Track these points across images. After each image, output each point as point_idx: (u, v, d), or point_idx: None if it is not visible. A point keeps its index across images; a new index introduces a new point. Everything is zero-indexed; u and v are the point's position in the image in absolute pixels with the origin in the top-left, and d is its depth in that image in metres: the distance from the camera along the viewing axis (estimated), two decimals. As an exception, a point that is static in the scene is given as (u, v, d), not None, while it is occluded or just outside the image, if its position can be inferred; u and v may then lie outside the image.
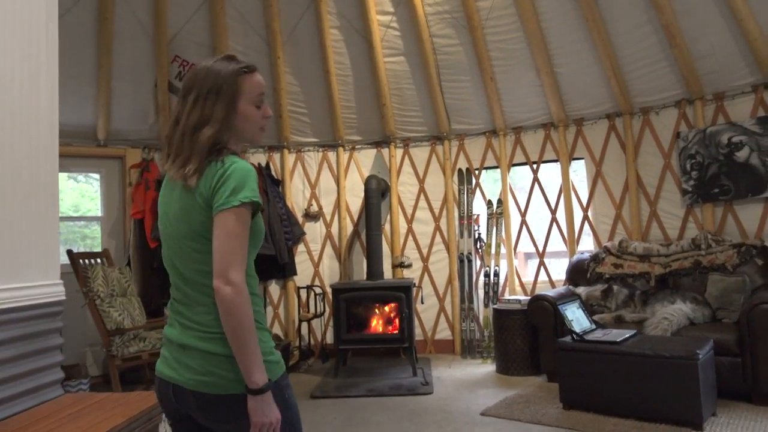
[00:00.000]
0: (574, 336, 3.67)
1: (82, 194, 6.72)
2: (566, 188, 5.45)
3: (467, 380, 4.75)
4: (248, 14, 5.32)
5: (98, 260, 4.54)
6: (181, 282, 1.35)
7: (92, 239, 5.90)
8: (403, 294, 4.91)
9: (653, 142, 5.05)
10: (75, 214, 6.21)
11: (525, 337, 4.74)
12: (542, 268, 5.57)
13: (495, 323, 4.95)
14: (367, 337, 5.04)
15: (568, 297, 4.32)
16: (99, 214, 5.68)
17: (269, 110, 1.46)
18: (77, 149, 5.40)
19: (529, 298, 4.77)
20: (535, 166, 5.65)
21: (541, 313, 4.48)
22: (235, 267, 1.23)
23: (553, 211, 5.55)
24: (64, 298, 2.45)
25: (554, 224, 5.55)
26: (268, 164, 6.02)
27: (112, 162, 5.60)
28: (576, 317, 3.82)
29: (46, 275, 2.37)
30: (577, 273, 5.01)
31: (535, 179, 5.63)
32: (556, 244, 5.67)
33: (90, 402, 2.31)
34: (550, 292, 4.65)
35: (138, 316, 4.42)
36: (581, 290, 4.67)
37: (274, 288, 5.97)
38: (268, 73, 5.57)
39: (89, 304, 4.08)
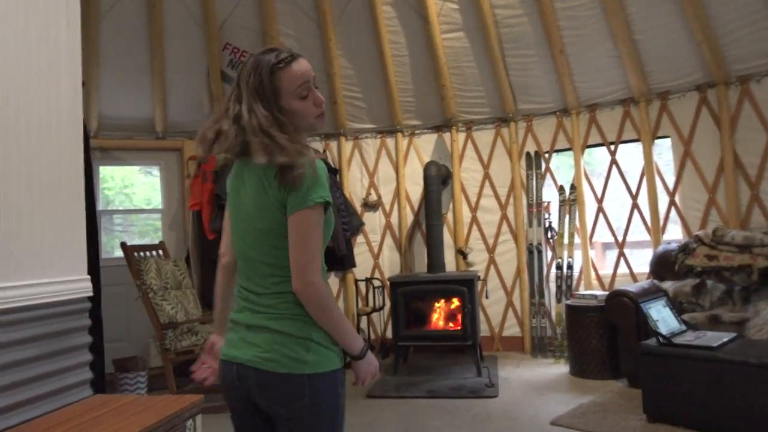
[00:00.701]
0: (660, 338, 3.20)
1: (153, 187, 6.83)
2: (649, 171, 4.88)
3: (537, 382, 4.35)
4: (297, -5, 5.12)
5: (153, 252, 4.50)
6: (252, 272, 1.37)
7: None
8: (465, 288, 4.56)
9: (754, 116, 4.40)
10: (147, 207, 6.28)
11: (602, 336, 4.27)
12: (622, 259, 5.04)
13: (568, 321, 4.50)
14: (428, 333, 4.74)
15: (653, 293, 3.82)
16: (160, 206, 5.70)
17: (320, 97, 1.39)
18: (137, 142, 5.44)
19: (607, 293, 4.29)
20: (612, 147, 5.10)
21: (621, 310, 4.00)
22: (311, 269, 1.26)
23: (634, 197, 4.99)
24: (90, 294, 2.32)
25: (635, 211, 5.00)
26: (324, 152, 5.82)
27: (170, 154, 5.60)
28: (662, 317, 3.34)
29: (71, 271, 2.24)
30: (663, 265, 4.45)
31: (613, 162, 5.09)
32: (638, 233, 5.12)
33: (116, 405, 2.16)
34: (632, 287, 4.16)
35: (192, 309, 4.35)
36: (668, 285, 4.14)
37: (332, 281, 5.78)
38: (320, 58, 5.35)
39: (143, 297, 4.03)
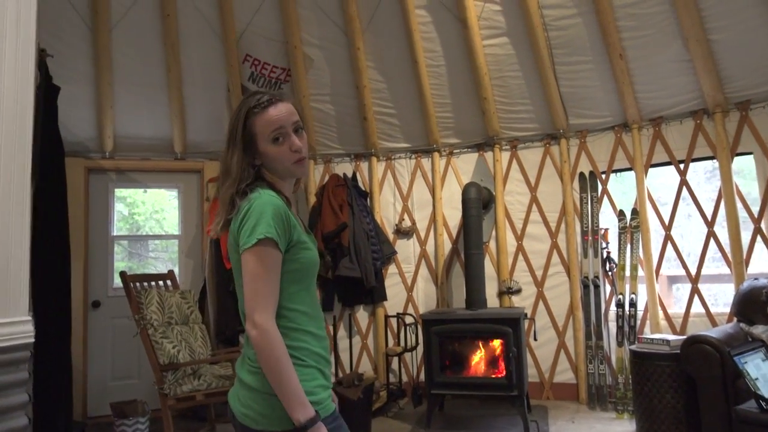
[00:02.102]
0: (764, 404, 2.49)
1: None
2: (728, 192, 4.15)
3: (597, 444, 3.64)
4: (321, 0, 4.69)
5: (160, 283, 4.07)
6: (241, 315, 1.34)
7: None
8: (510, 328, 3.92)
9: None
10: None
11: (677, 391, 3.53)
12: (696, 296, 4.29)
13: (634, 369, 3.78)
14: (466, 380, 4.10)
15: (744, 342, 3.10)
16: (176, 232, 5.32)
17: (296, 142, 1.37)
18: (155, 163, 5.11)
19: (683, 338, 3.57)
20: (682, 166, 4.41)
21: (703, 361, 3.27)
22: (258, 309, 1.24)
23: (710, 223, 4.27)
24: (31, 341, 1.84)
25: (711, 240, 4.27)
26: (354, 174, 5.34)
27: (190, 176, 5.24)
28: (763, 374, 2.63)
29: (6, 311, 1.77)
30: (750, 305, 3.68)
31: (683, 183, 4.40)
32: (715, 265, 4.38)
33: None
34: (713, 333, 3.43)
35: (199, 347, 3.87)
36: (760, 331, 3.39)
37: (362, 315, 5.24)
38: (348, 68, 4.90)
39: (141, 333, 3.58)
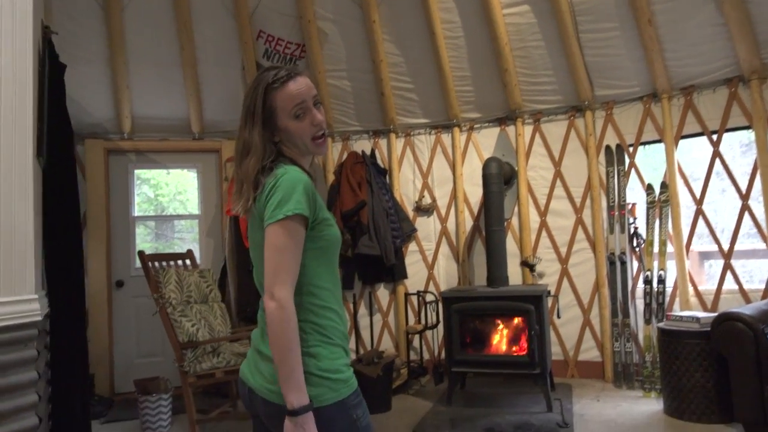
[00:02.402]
0: (799, 384, 2.36)
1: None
2: (764, 164, 3.95)
3: (623, 422, 3.55)
4: (334, -30, 4.57)
5: (179, 262, 4.08)
6: (260, 290, 1.33)
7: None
8: (532, 306, 3.83)
9: None
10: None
11: (708, 370, 3.42)
12: (729, 272, 4.12)
13: (662, 348, 3.67)
14: (487, 358, 4.03)
15: (779, 318, 2.95)
16: (197, 212, 5.33)
17: (318, 116, 1.36)
18: (173, 144, 5.10)
19: (714, 315, 3.43)
20: (715, 137, 4.21)
21: (735, 339, 3.14)
22: (278, 283, 1.22)
23: (744, 196, 4.08)
24: (38, 319, 1.83)
25: (746, 213, 4.08)
26: (373, 151, 5.26)
27: (208, 156, 5.22)
28: (799, 353, 2.49)
29: (11, 290, 1.76)
30: (786, 281, 3.54)
31: (716, 154, 4.20)
32: (750, 240, 4.20)
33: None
34: (746, 309, 3.29)
35: (219, 325, 3.88)
36: (797, 307, 3.23)
37: (383, 293, 5.19)
38: (364, 43, 4.78)
39: (160, 312, 3.60)
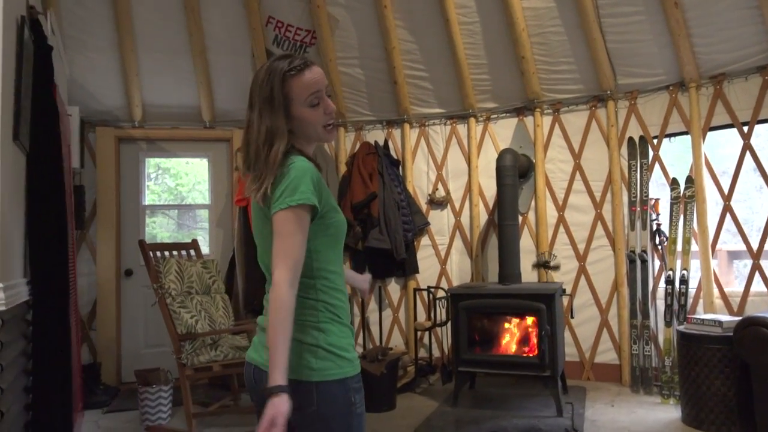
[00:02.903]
0: (826, 398, 2.15)
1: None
2: (799, 158, 3.68)
3: (637, 431, 3.36)
4: (346, -46, 4.43)
5: (183, 252, 4.02)
6: (268, 275, 1.38)
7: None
8: (543, 304, 3.65)
9: None
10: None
11: (729, 377, 3.20)
12: (758, 273, 3.86)
13: (681, 352, 3.46)
14: (495, 359, 3.87)
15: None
16: (207, 201, 5.28)
17: (331, 105, 1.39)
18: (184, 132, 5.06)
19: (737, 319, 3.20)
20: (746, 128, 3.94)
21: (758, 345, 2.93)
22: (279, 267, 1.24)
23: (777, 192, 3.81)
24: (3, 308, 1.75)
25: (778, 211, 3.82)
26: (386, 142, 5.12)
27: (219, 145, 5.17)
28: (827, 364, 2.28)
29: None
30: (820, 284, 3.28)
31: (747, 147, 3.93)
32: (781, 239, 3.92)
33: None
34: (773, 314, 3.06)
35: (221, 317, 3.81)
36: (830, 313, 2.99)
37: (393, 287, 5.07)
38: (376, 29, 4.63)
39: (159, 302, 3.54)
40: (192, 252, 4.11)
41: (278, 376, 1.18)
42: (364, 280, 1.74)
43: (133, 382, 4.59)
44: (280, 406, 1.15)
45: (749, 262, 3.98)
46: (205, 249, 5.23)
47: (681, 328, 3.54)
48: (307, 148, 1.41)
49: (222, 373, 3.48)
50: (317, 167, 1.38)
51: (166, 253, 3.88)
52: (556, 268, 4.56)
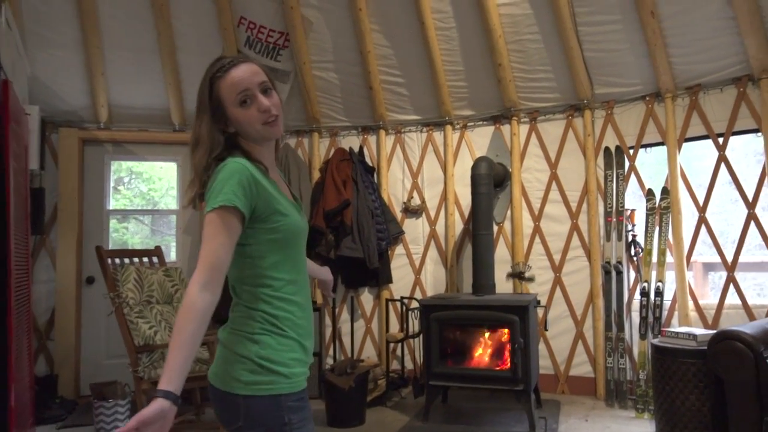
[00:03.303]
0: (802, 417, 2.08)
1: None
2: (774, 170, 3.66)
3: (610, 448, 3.27)
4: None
5: (145, 259, 3.86)
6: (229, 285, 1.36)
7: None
8: (516, 316, 3.55)
9: None
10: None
11: (703, 392, 3.13)
12: (732, 286, 3.82)
13: (656, 366, 3.38)
14: (468, 372, 3.76)
15: (783, 340, 2.66)
16: (175, 207, 5.12)
17: (263, 102, 1.31)
18: (153, 135, 4.90)
19: (711, 333, 3.14)
20: (721, 140, 3.92)
21: (733, 359, 2.85)
22: (197, 268, 1.20)
23: (751, 204, 3.78)
24: None
25: (752, 223, 3.78)
26: (361, 149, 5.01)
27: (188, 149, 4.98)
28: (803, 381, 2.21)
29: None
30: (794, 298, 3.23)
31: (721, 159, 3.91)
32: (756, 251, 3.90)
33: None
34: (746, 328, 2.99)
35: (183, 327, 3.64)
36: (804, 327, 2.94)
37: (366, 297, 4.95)
38: (351, 32, 4.53)
39: (116, 312, 3.37)
40: (155, 259, 3.94)
41: (164, 380, 1.10)
42: (326, 272, 1.72)
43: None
44: (145, 410, 1.06)
45: (725, 274, 3.94)
46: (173, 256, 5.06)
47: (655, 341, 3.47)
48: (256, 149, 1.35)
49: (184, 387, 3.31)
50: (264, 168, 1.34)
51: (126, 260, 3.71)
52: (531, 279, 4.48)
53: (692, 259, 4.05)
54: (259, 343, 1.26)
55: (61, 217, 4.49)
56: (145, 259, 3.87)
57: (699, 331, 3.35)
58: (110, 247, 4.80)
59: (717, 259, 4.02)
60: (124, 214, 5.97)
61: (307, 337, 1.34)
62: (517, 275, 4.45)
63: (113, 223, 6.51)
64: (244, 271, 1.30)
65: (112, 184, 5.00)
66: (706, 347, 3.07)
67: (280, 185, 1.39)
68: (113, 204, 5.08)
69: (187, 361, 1.13)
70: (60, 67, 4.40)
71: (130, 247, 5.55)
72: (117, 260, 3.63)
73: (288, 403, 1.25)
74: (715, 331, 3.13)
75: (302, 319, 1.33)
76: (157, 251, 3.99)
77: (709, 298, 4.08)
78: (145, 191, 7.45)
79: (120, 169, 6.61)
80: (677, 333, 3.37)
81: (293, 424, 1.25)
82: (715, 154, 3.93)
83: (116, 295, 3.38)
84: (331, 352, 4.79)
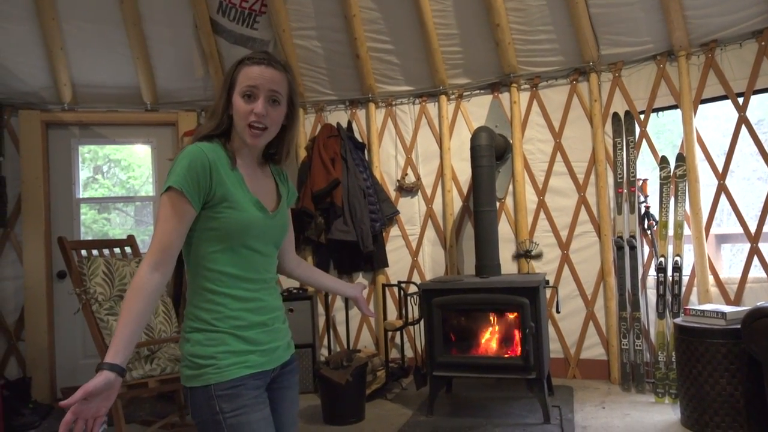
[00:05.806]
0: None
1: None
2: (801, 130, 3.35)
3: (633, 438, 3.00)
4: None
5: (110, 250, 3.49)
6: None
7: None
8: (526, 299, 3.24)
9: None
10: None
11: (735, 375, 2.85)
12: (756, 258, 3.54)
13: (680, 348, 3.10)
14: (474, 361, 3.45)
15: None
16: (151, 193, 4.75)
17: (260, 106, 1.33)
18: (123, 116, 4.53)
19: (744, 310, 2.86)
20: (741, 100, 3.60)
21: (772, 340, 2.57)
22: (149, 250, 1.26)
23: (776, 169, 3.48)
24: None
25: (777, 189, 3.49)
26: (350, 124, 4.66)
27: (163, 130, 4.63)
28: None
29: None
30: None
31: (742, 120, 3.59)
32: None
33: None
34: (784, 303, 2.71)
35: (161, 324, 3.31)
36: None
37: (361, 282, 4.61)
38: (334, -6, 4.15)
39: (83, 309, 3.03)
40: (128, 249, 3.58)
41: (110, 353, 1.16)
42: (355, 288, 1.67)
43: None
44: (92, 381, 1.12)
45: (739, 246, 3.65)
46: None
47: (678, 320, 3.18)
48: (237, 140, 1.38)
49: (159, 390, 2.98)
50: (232, 156, 1.35)
51: (95, 252, 3.35)
52: (539, 257, 4.17)
53: (711, 231, 3.75)
54: (189, 341, 1.32)
55: (25, 207, 4.13)
56: (117, 250, 3.51)
57: (726, 308, 3.06)
58: (81, 238, 4.44)
59: (730, 230, 3.74)
60: (96, 203, 5.59)
61: (245, 329, 1.33)
62: (524, 254, 4.14)
63: (93, 214, 6.13)
64: (189, 257, 1.34)
65: (89, 174, 4.63)
66: (738, 326, 2.79)
67: (250, 180, 1.38)
68: (90, 194, 4.71)
69: (132, 336, 1.18)
70: (15, 42, 4.00)
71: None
72: (85, 252, 3.26)
73: (218, 393, 1.28)
74: (747, 308, 2.84)
75: (237, 311, 1.33)
76: (130, 240, 3.63)
77: (729, 273, 3.80)
78: (124, 179, 7.08)
79: (96, 157, 6.23)
80: (702, 311, 3.08)
81: (225, 413, 1.28)
82: (735, 115, 3.62)
83: (83, 291, 3.03)
84: (325, 342, 4.48)
